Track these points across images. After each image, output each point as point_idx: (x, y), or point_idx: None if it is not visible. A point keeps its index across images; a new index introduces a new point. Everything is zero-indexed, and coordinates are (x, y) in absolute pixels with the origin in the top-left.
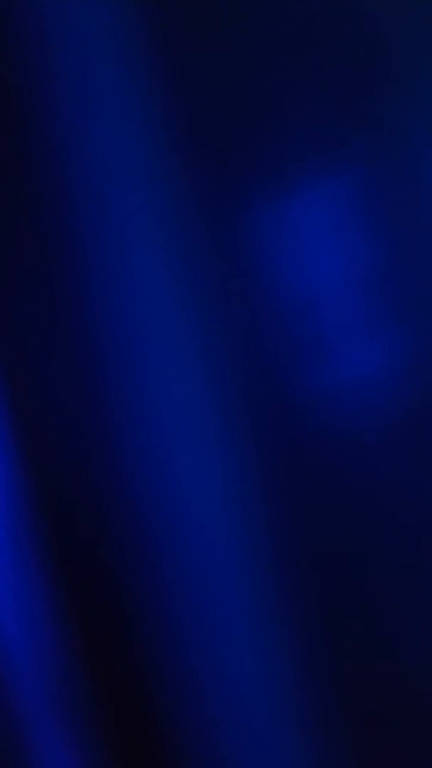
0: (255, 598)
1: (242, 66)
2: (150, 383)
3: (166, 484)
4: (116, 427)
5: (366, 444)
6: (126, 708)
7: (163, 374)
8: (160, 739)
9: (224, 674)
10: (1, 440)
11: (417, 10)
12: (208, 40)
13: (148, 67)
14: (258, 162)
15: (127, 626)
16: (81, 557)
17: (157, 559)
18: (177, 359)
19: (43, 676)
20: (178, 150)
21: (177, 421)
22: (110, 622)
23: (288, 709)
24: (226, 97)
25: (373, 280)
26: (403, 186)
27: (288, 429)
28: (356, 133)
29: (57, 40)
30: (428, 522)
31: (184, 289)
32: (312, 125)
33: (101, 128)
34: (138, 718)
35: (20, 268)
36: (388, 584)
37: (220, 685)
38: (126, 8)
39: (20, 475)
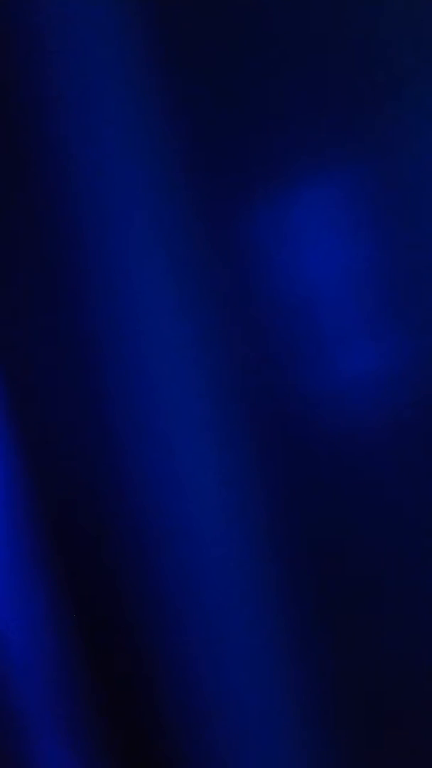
0: (255, 597)
1: (244, 68)
2: (150, 382)
3: (166, 482)
4: (116, 426)
5: (365, 441)
6: (125, 706)
7: (162, 373)
8: (160, 737)
9: (223, 672)
10: (1, 441)
11: (419, 17)
12: (210, 43)
13: (149, 70)
14: (259, 163)
15: (127, 625)
16: (81, 556)
17: (156, 558)
18: (177, 359)
19: (42, 676)
20: (179, 151)
21: (177, 421)
22: (110, 620)
23: (287, 705)
24: (227, 99)
25: (373, 280)
26: (402, 187)
27: (288, 427)
28: (357, 134)
29: (57, 43)
30: (427, 518)
31: (183, 288)
32: (313, 126)
33: (101, 129)
34: (137, 716)
35: (21, 269)
36: (387, 580)
37: (219, 682)
38: (128, 10)
39: (20, 475)
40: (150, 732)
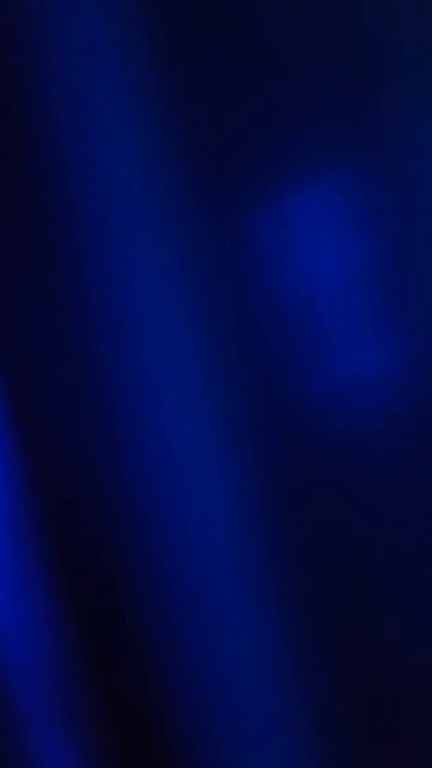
0: (256, 599)
1: (243, 66)
2: (150, 382)
3: (167, 483)
4: (117, 426)
5: (366, 443)
6: (126, 708)
7: (162, 373)
8: (160, 739)
9: (224, 672)
10: (1, 440)
11: (416, 13)
12: (209, 40)
13: (148, 67)
14: (258, 162)
15: (127, 626)
16: (81, 557)
17: (157, 559)
18: (177, 359)
19: (43, 677)
20: (178, 150)
21: (177, 422)
22: (110, 621)
23: (287, 708)
24: (226, 98)
25: (374, 279)
26: (403, 186)
27: (288, 428)
28: (357, 132)
29: (56, 40)
30: (428, 520)
31: (183, 288)
32: (312, 125)
33: (100, 126)
34: (138, 718)
35: (20, 268)
36: (387, 582)
37: (220, 683)
38: (127, 7)
39: (21, 475)
40: (150, 733)
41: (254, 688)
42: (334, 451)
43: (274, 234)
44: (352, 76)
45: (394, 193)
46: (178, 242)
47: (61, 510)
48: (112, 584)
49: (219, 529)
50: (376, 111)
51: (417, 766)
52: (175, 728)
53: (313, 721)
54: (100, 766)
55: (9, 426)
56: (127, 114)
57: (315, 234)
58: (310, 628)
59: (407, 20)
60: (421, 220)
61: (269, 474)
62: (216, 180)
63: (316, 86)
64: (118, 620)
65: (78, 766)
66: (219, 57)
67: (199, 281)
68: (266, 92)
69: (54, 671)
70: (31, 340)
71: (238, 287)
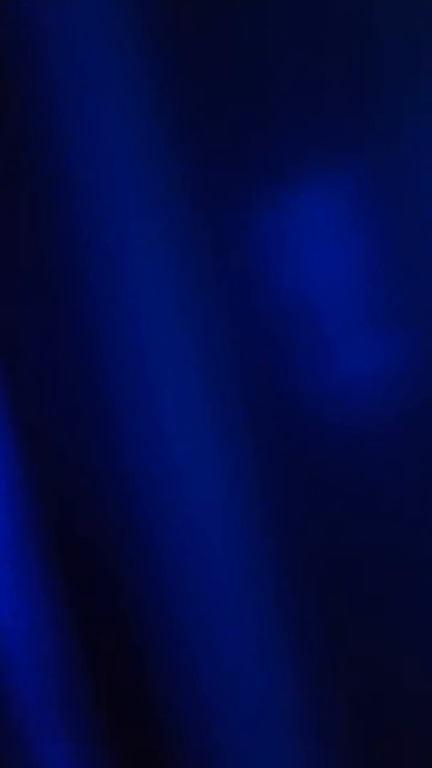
0: (255, 596)
1: (244, 65)
2: (149, 381)
3: (167, 482)
4: (116, 426)
5: (366, 441)
6: (125, 707)
7: (162, 372)
8: (160, 737)
9: (224, 673)
10: (1, 441)
11: (416, 12)
12: (209, 37)
13: (149, 65)
14: (259, 161)
15: (127, 625)
16: (81, 556)
17: (158, 559)
18: (176, 358)
19: (42, 675)
20: (178, 149)
21: (176, 420)
22: (110, 620)
23: (287, 709)
24: (226, 98)
25: (374, 278)
26: (402, 186)
27: (288, 427)
28: (357, 132)
29: (57, 40)
30: (428, 518)
31: (183, 287)
32: (313, 124)
33: (100, 125)
34: (137, 716)
35: (21, 269)
36: (388, 581)
37: (219, 684)
38: (126, 10)
39: (20, 474)
40: (150, 732)
41: (254, 688)
42: (334, 450)
43: (273, 234)
44: (352, 76)
45: (394, 193)
46: (177, 242)
47: (61, 510)
48: (113, 584)
49: (219, 529)
50: (376, 111)
51: (417, 766)
52: (176, 728)
53: (313, 721)
54: (99, 765)
55: (9, 426)
56: (127, 114)
57: (315, 233)
58: (311, 627)
59: (407, 20)
60: (420, 221)
61: (269, 472)
62: (216, 180)
63: (317, 87)
64: (118, 620)
65: (78, 765)
66: (219, 58)
67: (198, 281)
68: (267, 92)
69: (54, 671)
70: (32, 341)
71: (238, 287)
